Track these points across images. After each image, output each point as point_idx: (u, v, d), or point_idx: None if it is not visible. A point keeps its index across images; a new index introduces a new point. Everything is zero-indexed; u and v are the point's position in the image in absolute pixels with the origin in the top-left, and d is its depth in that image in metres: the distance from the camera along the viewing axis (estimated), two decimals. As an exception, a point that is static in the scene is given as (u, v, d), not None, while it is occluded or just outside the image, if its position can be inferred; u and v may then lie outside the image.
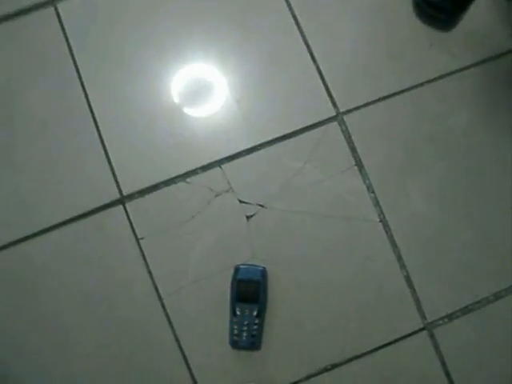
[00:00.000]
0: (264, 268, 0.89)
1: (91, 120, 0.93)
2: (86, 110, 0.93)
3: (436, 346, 0.90)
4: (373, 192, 0.91)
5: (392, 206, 0.91)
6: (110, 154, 0.92)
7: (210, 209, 0.91)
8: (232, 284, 0.88)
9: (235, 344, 0.89)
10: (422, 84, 0.94)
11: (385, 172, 0.92)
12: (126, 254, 0.91)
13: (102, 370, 0.90)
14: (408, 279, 0.90)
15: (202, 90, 0.94)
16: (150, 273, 0.90)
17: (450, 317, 0.90)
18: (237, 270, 0.88)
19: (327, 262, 0.90)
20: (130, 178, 0.92)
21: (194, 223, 0.91)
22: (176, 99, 0.94)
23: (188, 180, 0.91)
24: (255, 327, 0.88)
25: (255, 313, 0.88)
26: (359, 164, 0.92)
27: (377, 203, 0.91)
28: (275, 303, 0.90)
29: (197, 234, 0.91)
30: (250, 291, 0.88)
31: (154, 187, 0.92)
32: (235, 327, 0.88)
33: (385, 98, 0.93)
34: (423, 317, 0.90)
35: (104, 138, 0.93)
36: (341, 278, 0.90)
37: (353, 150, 0.92)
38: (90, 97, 0.93)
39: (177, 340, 0.90)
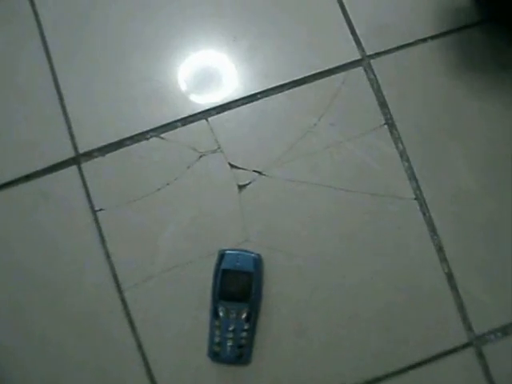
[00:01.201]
0: (258, 255, 0.61)
1: (42, 50, 0.66)
2: (37, 38, 0.66)
3: (485, 369, 0.62)
4: (407, 160, 0.64)
5: (432, 180, 0.63)
6: (64, 98, 0.65)
7: (190, 174, 0.64)
8: (215, 275, 0.61)
9: (216, 356, 0.61)
10: (474, 25, 0.67)
11: (423, 135, 0.64)
12: (78, 230, 0.64)
13: (44, 376, 0.63)
14: (450, 277, 0.63)
15: (189, 21, 0.67)
16: (108, 256, 0.63)
17: (505, 330, 0.62)
18: (222, 256, 0.61)
19: (344, 252, 0.63)
20: (88, 130, 0.65)
21: (169, 193, 0.63)
22: (154, 30, 0.66)
23: (163, 136, 0.64)
24: (243, 334, 0.61)
25: (244, 315, 0.60)
26: (390, 123, 0.64)
27: (412, 175, 0.64)
28: (272, 304, 0.62)
29: (172, 207, 0.63)
30: (238, 286, 0.60)
31: (119, 144, 0.64)
32: (217, 333, 0.61)
33: (424, 40, 0.66)
34: (469, 329, 0.63)
35: (58, 76, 0.66)
36: (361, 273, 0.63)
37: (382, 104, 0.64)
38: (42, 24, 0.67)
39: (139, 347, 0.62)
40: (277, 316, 0.62)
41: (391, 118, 0.64)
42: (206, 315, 0.61)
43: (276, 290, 0.62)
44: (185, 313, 0.62)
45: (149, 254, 0.63)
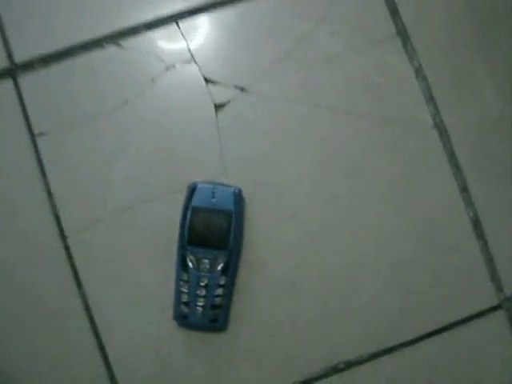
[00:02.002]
0: (239, 190, 0.46)
1: None
2: None
3: (519, 338, 0.48)
4: (424, 80, 0.49)
5: (453, 104, 0.49)
6: (-3, -3, 0.50)
7: (155, 90, 0.49)
8: (183, 215, 0.46)
9: (184, 320, 0.46)
10: None
11: (443, 49, 0.50)
12: (11, 159, 0.48)
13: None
14: (476, 224, 0.49)
15: None
16: (48, 192, 0.48)
17: (542, 290, 0.49)
18: (192, 190, 0.46)
19: (346, 190, 0.48)
20: (28, 34, 0.49)
21: (127, 113, 0.48)
22: None
23: (122, 43, 0.49)
24: (219, 291, 0.45)
25: (220, 266, 0.45)
26: (403, 34, 0.50)
27: (430, 98, 0.49)
28: (254, 253, 0.47)
29: (130, 130, 0.48)
30: (213, 229, 0.45)
31: (67, 53, 0.49)
32: (185, 290, 0.46)
33: None
34: (499, 289, 0.48)
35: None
36: (368, 217, 0.48)
37: (393, 11, 0.50)
38: None
39: (87, 308, 0.47)
40: (260, 269, 0.47)
41: (404, 29, 0.50)
42: (171, 267, 0.46)
43: (260, 235, 0.47)
44: (144, 264, 0.47)
45: (100, 190, 0.48)
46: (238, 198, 0.46)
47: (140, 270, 0.47)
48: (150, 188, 0.48)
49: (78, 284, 0.47)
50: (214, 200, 0.45)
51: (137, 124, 0.48)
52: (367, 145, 0.48)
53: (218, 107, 0.48)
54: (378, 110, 0.49)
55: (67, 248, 0.47)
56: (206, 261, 0.45)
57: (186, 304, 0.46)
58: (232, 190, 0.46)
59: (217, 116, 0.48)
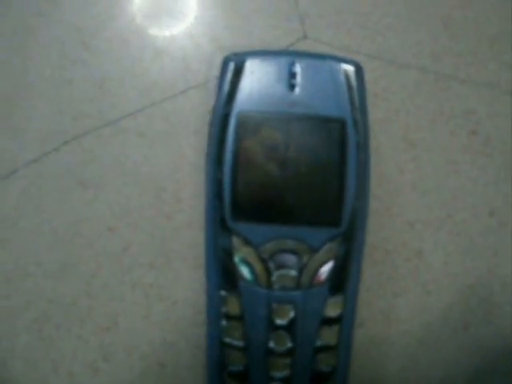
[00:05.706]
0: (358, 67, 0.16)
1: None
2: None
3: None
4: None
5: None
6: None
7: None
8: (216, 137, 0.15)
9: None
10: None
11: None
12: None
13: None
14: None
15: None
16: None
17: None
18: (237, 72, 0.15)
19: None
20: None
21: None
22: None
23: None
24: (327, 338, 0.15)
25: (326, 271, 0.15)
26: None
27: None
28: (402, 228, 0.18)
29: None
30: (299, 171, 0.15)
31: None
32: (234, 341, 0.15)
33: None
34: None
35: None
36: None
37: None
38: None
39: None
40: (413, 262, 0.17)
41: None
42: (195, 279, 0.16)
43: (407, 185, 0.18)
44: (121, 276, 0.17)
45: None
46: (359, 89, 0.15)
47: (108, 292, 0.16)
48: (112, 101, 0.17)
49: None
50: (295, 93, 0.15)
51: None
52: None
53: None
54: None
55: None
56: (290, 258, 0.15)
57: (241, 376, 0.15)
58: (340, 66, 0.15)
59: None
